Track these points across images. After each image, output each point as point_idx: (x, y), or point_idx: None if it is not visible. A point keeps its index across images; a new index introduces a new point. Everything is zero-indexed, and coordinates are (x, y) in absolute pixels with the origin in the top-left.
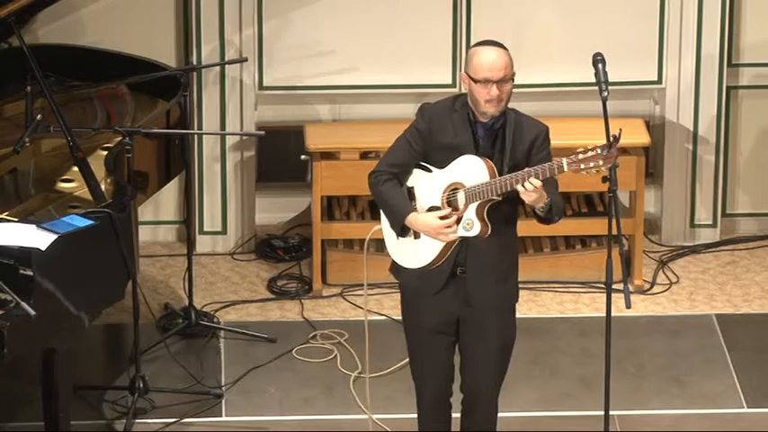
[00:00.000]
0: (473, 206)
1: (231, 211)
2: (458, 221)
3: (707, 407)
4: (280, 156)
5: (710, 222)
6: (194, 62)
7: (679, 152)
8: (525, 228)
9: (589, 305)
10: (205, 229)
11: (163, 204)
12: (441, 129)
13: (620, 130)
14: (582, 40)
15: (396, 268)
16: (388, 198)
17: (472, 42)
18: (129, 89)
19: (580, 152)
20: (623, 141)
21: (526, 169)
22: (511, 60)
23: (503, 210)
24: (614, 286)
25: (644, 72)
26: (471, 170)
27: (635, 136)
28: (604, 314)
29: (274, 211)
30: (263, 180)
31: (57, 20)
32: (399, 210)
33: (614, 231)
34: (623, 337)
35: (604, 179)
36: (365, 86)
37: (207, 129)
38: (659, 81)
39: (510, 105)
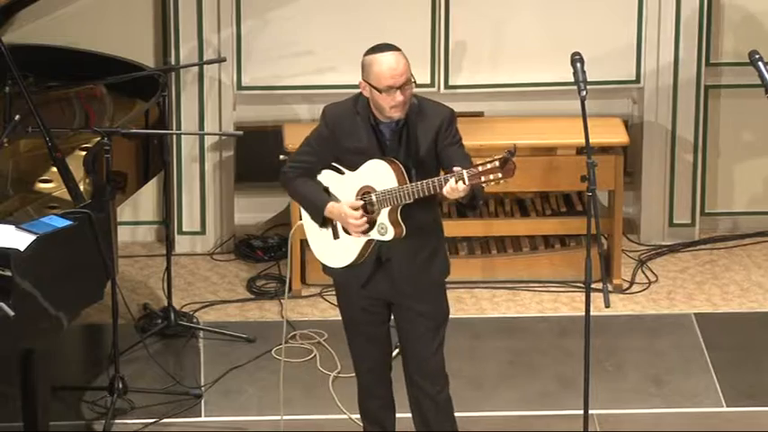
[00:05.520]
0: (385, 211)
1: (210, 211)
2: (372, 224)
3: (686, 406)
4: (258, 156)
5: (689, 221)
6: (173, 62)
7: (658, 151)
8: (504, 227)
9: (568, 304)
10: (184, 229)
11: (142, 205)
12: (345, 133)
13: (515, 145)
14: (560, 39)
15: (324, 266)
16: (303, 192)
17: (451, 42)
18: (107, 89)
19: (480, 164)
20: (602, 140)
21: (430, 179)
22: (407, 61)
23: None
24: (593, 285)
25: (622, 71)
26: (379, 175)
27: (613, 135)
28: (583, 313)
29: (253, 211)
30: (241, 180)
31: (35, 20)
32: (317, 201)
33: (593, 231)
34: (602, 337)
35: (583, 178)
36: (343, 86)
37: (185, 129)
38: (638, 80)
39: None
